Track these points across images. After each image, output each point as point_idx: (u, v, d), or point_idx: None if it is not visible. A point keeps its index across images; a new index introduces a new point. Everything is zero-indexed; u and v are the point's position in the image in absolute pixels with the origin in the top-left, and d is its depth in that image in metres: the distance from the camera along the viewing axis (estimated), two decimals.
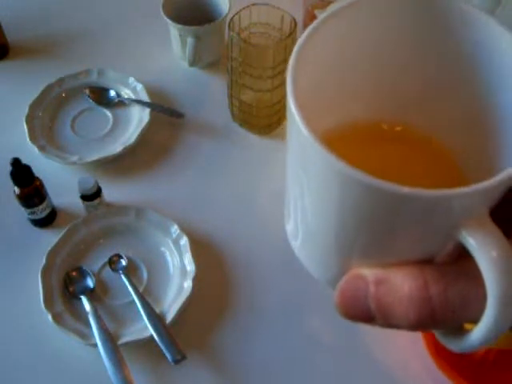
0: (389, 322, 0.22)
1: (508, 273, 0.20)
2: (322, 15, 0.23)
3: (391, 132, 0.26)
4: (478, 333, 0.21)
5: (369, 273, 0.22)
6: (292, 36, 0.72)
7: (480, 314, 0.21)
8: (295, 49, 0.23)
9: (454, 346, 0.23)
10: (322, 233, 0.25)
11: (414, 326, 0.21)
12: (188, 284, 0.68)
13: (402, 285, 0.21)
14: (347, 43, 0.24)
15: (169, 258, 0.72)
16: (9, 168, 0.68)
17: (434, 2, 0.22)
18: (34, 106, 0.85)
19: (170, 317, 0.65)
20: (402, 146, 0.26)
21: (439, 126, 0.25)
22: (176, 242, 0.72)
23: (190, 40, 0.86)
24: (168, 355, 0.62)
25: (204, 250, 0.73)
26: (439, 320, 0.21)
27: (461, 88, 0.24)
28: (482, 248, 0.20)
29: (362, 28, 0.24)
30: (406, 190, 0.19)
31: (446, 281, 0.21)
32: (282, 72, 0.76)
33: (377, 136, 0.26)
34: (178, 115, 0.86)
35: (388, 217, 0.21)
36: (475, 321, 0.21)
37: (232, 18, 0.73)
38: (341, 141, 0.25)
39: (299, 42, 0.23)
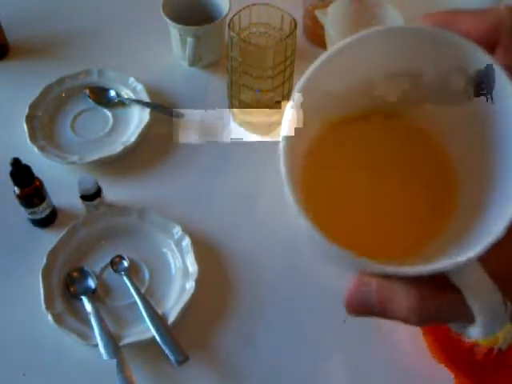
0: (390, 319, 0.26)
1: (489, 304, 0.23)
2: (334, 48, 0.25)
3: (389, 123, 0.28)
4: (475, 334, 0.25)
5: (374, 282, 0.26)
6: (292, 36, 0.72)
7: (468, 319, 0.25)
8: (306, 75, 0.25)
9: (459, 332, 0.27)
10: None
11: (412, 325, 0.26)
12: (190, 285, 0.68)
13: (401, 297, 0.25)
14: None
15: (171, 259, 0.72)
16: (9, 168, 0.67)
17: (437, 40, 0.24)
18: (34, 106, 0.85)
19: (172, 318, 0.65)
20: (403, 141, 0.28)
21: (439, 126, 0.27)
22: (178, 243, 0.72)
23: (189, 40, 0.86)
24: (171, 356, 0.62)
25: (206, 251, 0.73)
26: (434, 324, 0.26)
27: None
28: (467, 287, 0.23)
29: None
30: (389, 268, 0.23)
31: (439, 295, 0.25)
32: (282, 72, 0.76)
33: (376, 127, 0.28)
34: (178, 115, 0.86)
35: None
36: (466, 322, 0.25)
37: (232, 18, 0.73)
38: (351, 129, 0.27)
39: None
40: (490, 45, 0.25)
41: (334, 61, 0.25)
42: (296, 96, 0.24)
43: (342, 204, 0.24)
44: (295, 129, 0.23)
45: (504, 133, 0.23)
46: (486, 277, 0.23)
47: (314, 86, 0.24)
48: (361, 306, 0.26)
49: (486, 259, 0.23)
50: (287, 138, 0.23)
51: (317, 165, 0.24)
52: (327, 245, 0.23)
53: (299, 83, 0.24)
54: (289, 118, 0.24)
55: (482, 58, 0.24)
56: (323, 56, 0.24)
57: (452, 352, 0.63)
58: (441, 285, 0.24)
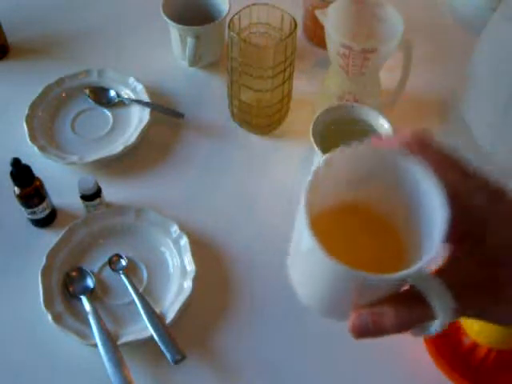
0: (383, 334, 0.37)
1: (449, 314, 0.35)
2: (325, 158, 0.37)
3: (362, 212, 0.42)
4: (435, 328, 0.37)
5: (367, 310, 0.37)
6: (292, 36, 0.72)
7: (432, 317, 0.36)
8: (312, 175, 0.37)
9: (422, 333, 0.38)
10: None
11: (395, 332, 0.37)
12: (188, 284, 0.68)
13: (387, 314, 0.36)
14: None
15: (169, 258, 0.72)
16: (9, 168, 0.68)
17: (387, 161, 0.38)
18: (34, 106, 0.85)
19: (169, 317, 0.66)
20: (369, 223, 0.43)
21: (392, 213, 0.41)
22: (176, 242, 0.72)
23: (190, 40, 0.86)
24: (168, 355, 0.62)
25: (204, 249, 0.73)
26: (409, 327, 0.37)
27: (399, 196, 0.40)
28: (437, 299, 0.35)
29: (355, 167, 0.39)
30: (371, 275, 0.34)
31: (412, 306, 0.36)
32: (282, 72, 0.76)
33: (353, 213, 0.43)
34: (178, 115, 0.86)
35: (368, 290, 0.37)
36: (431, 320, 0.36)
37: (232, 18, 0.73)
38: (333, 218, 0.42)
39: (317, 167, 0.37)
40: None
41: (325, 169, 0.37)
42: (308, 188, 0.36)
43: (335, 251, 0.35)
44: (309, 204, 0.36)
45: (423, 208, 0.37)
46: (437, 282, 0.35)
47: (315, 183, 0.36)
48: (362, 328, 0.37)
49: (442, 272, 0.36)
50: (306, 207, 0.36)
51: (320, 228, 0.35)
52: (332, 262, 0.34)
53: (309, 181, 0.36)
54: (306, 194, 0.36)
55: (416, 170, 0.37)
56: (321, 162, 0.37)
57: (451, 354, 0.63)
58: (413, 300, 0.36)
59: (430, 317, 0.36)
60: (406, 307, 0.37)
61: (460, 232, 0.37)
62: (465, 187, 0.37)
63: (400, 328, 0.37)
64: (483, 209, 0.37)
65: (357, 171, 0.39)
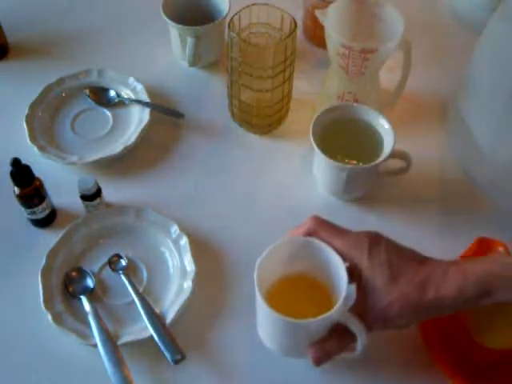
0: (331, 358, 0.57)
1: (364, 334, 0.54)
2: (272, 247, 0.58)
3: (302, 278, 0.61)
4: (359, 346, 0.56)
5: (316, 346, 0.56)
6: (292, 36, 0.72)
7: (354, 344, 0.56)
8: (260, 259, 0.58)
9: (352, 353, 0.58)
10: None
11: (337, 353, 0.57)
12: (188, 284, 0.68)
13: (329, 343, 0.56)
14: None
15: (169, 258, 0.72)
16: (9, 168, 0.68)
17: (309, 247, 0.58)
18: (34, 106, 0.85)
19: (169, 317, 0.66)
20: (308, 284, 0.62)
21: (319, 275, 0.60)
22: (176, 242, 0.72)
23: (190, 40, 0.86)
24: (168, 355, 0.62)
25: (204, 250, 0.73)
26: (343, 349, 0.57)
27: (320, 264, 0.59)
28: (353, 326, 0.54)
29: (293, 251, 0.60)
30: (303, 320, 0.53)
31: (341, 336, 0.56)
32: (282, 72, 0.76)
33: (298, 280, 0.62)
34: (178, 115, 0.86)
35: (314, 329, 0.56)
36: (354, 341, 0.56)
37: (232, 18, 0.73)
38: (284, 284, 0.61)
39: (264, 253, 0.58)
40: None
41: (272, 252, 0.58)
42: (257, 267, 0.57)
43: (283, 308, 0.53)
44: (260, 279, 0.56)
45: (334, 270, 0.57)
46: (351, 315, 0.54)
47: (264, 263, 0.57)
48: (318, 358, 0.56)
49: (354, 308, 0.55)
50: (257, 279, 0.56)
51: (274, 293, 0.58)
52: (277, 316, 0.53)
53: (259, 261, 0.57)
54: (257, 273, 0.56)
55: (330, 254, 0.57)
56: (270, 248, 0.58)
57: (451, 354, 0.63)
58: (342, 331, 0.55)
59: (354, 340, 0.55)
60: (338, 337, 0.56)
61: (356, 280, 0.55)
62: (348, 249, 0.56)
63: (337, 351, 0.56)
64: (363, 260, 0.55)
65: (293, 252, 0.59)
